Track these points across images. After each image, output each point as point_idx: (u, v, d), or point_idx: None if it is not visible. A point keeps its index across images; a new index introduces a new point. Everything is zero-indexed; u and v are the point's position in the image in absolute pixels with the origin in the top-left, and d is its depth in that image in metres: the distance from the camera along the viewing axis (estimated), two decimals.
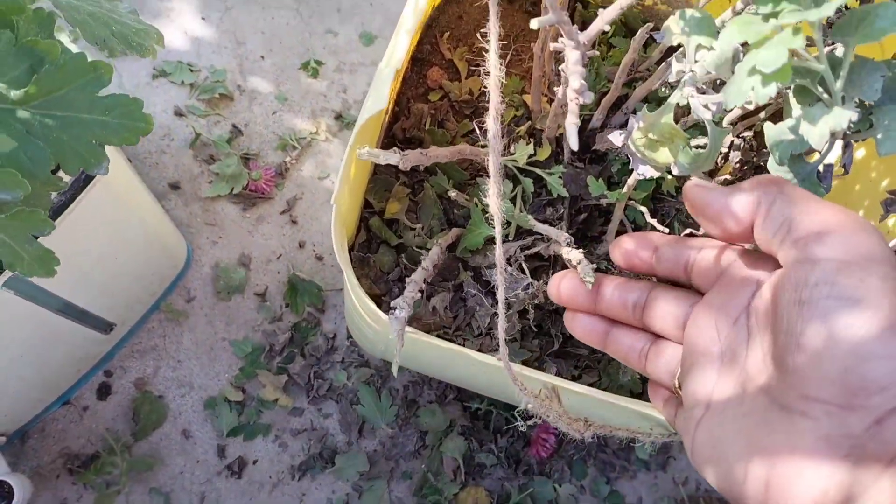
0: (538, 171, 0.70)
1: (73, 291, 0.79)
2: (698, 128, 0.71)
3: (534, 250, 0.68)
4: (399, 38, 0.58)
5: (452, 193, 0.68)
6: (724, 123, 0.73)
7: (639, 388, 0.74)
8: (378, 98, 0.55)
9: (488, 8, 0.52)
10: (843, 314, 0.30)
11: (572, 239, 0.62)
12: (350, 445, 1.01)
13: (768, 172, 0.49)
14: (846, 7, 0.51)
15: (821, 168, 0.48)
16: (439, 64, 0.81)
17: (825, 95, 0.43)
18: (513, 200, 0.70)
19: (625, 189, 0.67)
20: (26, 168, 0.47)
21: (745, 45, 0.43)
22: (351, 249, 0.72)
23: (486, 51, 0.51)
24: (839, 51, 0.43)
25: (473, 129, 0.79)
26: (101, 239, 0.79)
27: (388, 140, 0.78)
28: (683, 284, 0.44)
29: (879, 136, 0.43)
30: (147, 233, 0.92)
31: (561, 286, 0.47)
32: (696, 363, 0.38)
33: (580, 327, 0.47)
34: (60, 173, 0.65)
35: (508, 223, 0.68)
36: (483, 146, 0.75)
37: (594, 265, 0.51)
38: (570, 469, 1.03)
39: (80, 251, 0.75)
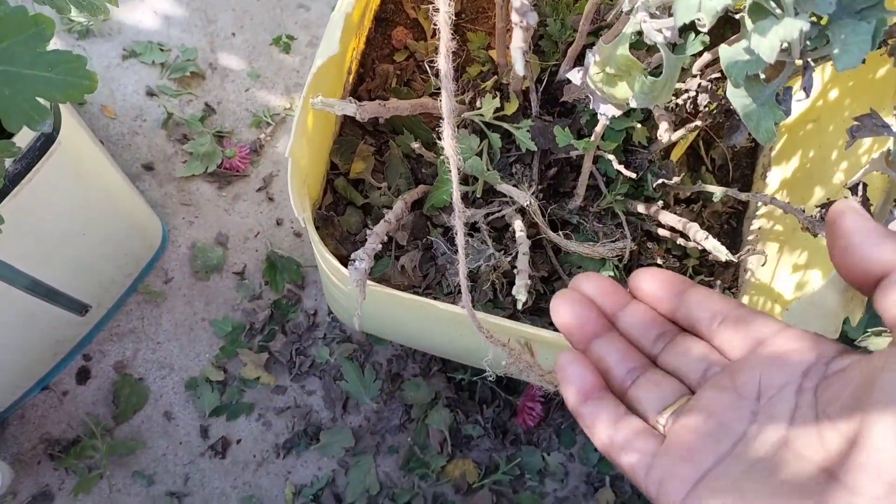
0: (506, 125, 0.69)
1: (40, 268, 0.78)
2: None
3: (498, 214, 0.67)
4: None
5: (416, 145, 0.67)
6: (694, 70, 0.72)
7: None
8: (329, 43, 0.54)
9: None
10: None
11: (535, 201, 0.61)
12: (335, 421, 1.00)
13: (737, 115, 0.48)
14: None
15: (780, 91, 0.46)
16: (404, 24, 0.80)
17: (778, 10, 0.42)
18: (479, 156, 0.69)
19: (592, 137, 0.66)
20: None
21: None
22: (318, 210, 0.71)
23: None
24: None
25: (440, 90, 0.77)
26: (65, 213, 0.77)
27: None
28: None
29: (836, 51, 0.42)
30: (117, 211, 0.91)
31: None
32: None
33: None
34: (14, 139, 0.63)
35: (476, 179, 0.67)
36: (459, 101, 0.74)
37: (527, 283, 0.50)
38: (557, 437, 1.02)
39: (42, 224, 0.74)
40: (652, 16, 0.46)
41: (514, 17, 0.43)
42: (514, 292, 0.54)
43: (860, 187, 0.57)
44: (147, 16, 1.12)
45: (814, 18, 0.44)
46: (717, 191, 0.68)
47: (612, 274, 0.72)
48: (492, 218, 0.68)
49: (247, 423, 0.99)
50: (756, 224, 0.78)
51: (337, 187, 0.70)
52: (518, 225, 0.64)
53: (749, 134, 0.60)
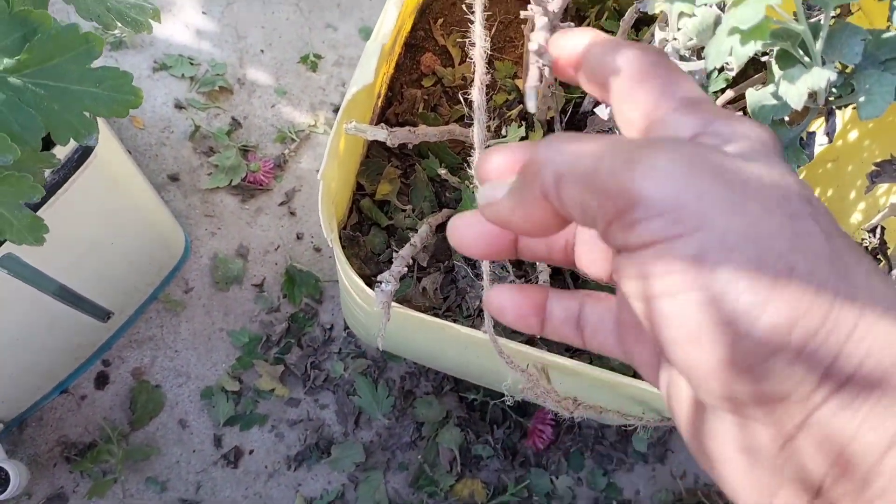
0: None
1: (68, 275, 0.80)
2: None
3: None
4: (387, 12, 0.58)
5: (443, 172, 0.68)
6: (719, 104, 0.73)
7: (630, 370, 0.74)
8: (365, 72, 0.56)
9: None
10: None
11: None
12: (346, 436, 1.01)
13: None
14: None
15: (804, 136, 0.48)
16: (433, 50, 0.81)
17: (805, 59, 0.43)
18: None
19: None
20: (17, 134, 0.48)
21: (724, 9, 0.44)
22: (343, 230, 0.72)
23: (472, 22, 0.52)
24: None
25: (466, 115, 0.79)
26: (96, 222, 0.79)
27: (381, 124, 0.78)
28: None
29: (861, 99, 0.43)
30: (144, 221, 0.93)
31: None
32: None
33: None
34: (54, 150, 0.66)
35: None
36: (498, 134, 0.75)
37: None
38: (567, 461, 1.03)
39: (74, 233, 0.76)
40: (682, 58, 0.48)
41: (531, 57, 0.45)
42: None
43: (878, 230, 0.58)
44: (179, 30, 1.14)
45: (839, 66, 0.46)
46: None
47: None
48: None
49: (260, 434, 1.01)
50: None
51: (363, 208, 0.72)
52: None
53: None
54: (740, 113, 0.58)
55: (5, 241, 0.65)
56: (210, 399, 1.01)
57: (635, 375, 0.76)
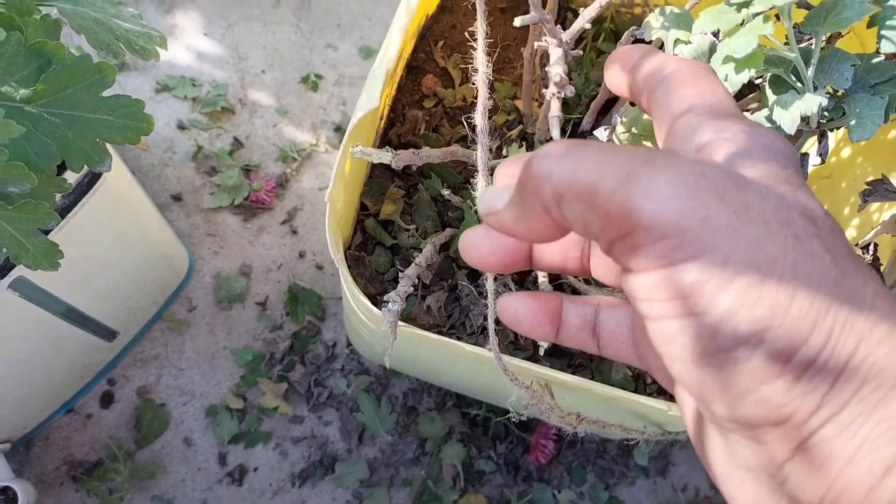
0: None
1: (76, 296, 0.81)
2: None
3: None
4: (392, 37, 0.60)
5: (446, 193, 0.70)
6: None
7: (631, 385, 0.75)
8: (370, 97, 0.57)
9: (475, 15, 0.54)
10: None
11: None
12: (350, 453, 1.02)
13: None
14: None
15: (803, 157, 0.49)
16: (434, 72, 0.83)
17: (798, 84, 0.45)
18: None
19: None
20: (33, 162, 0.49)
21: (719, 37, 0.45)
22: (347, 249, 0.73)
23: (475, 49, 0.53)
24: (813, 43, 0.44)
25: (467, 135, 0.80)
26: (104, 244, 0.80)
27: (384, 145, 0.79)
28: None
29: (852, 122, 0.45)
30: (148, 241, 0.94)
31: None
32: None
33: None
34: (65, 175, 0.67)
35: None
36: (499, 154, 0.77)
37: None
38: (569, 475, 1.04)
39: (83, 255, 0.77)
40: None
41: (552, 89, 0.46)
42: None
43: (871, 247, 0.59)
44: (181, 52, 1.16)
45: (830, 90, 0.47)
46: None
47: None
48: None
49: (264, 452, 1.01)
50: None
51: (367, 227, 0.73)
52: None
53: None
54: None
55: (16, 265, 0.66)
56: (215, 417, 1.02)
57: (636, 391, 0.77)
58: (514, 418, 0.60)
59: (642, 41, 0.79)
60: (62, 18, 0.57)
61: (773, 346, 0.23)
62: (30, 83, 0.50)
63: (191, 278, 1.07)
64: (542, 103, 0.78)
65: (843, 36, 0.56)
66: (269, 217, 1.10)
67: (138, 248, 0.91)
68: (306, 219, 1.11)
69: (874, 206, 0.65)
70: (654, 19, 0.50)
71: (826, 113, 0.47)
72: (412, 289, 0.62)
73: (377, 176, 0.76)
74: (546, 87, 0.71)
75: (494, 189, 0.29)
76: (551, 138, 0.75)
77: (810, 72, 0.43)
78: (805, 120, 0.44)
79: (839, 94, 0.46)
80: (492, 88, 0.81)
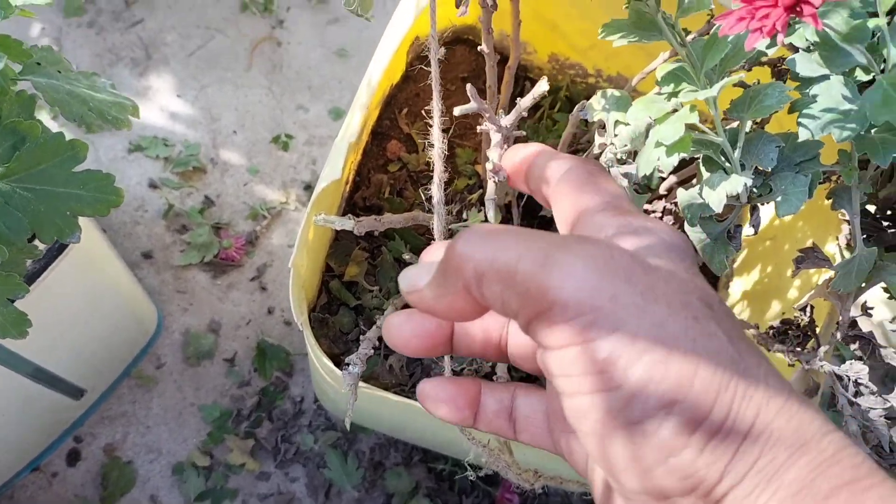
0: None
1: (45, 357, 0.82)
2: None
3: None
4: (354, 113, 0.63)
5: (407, 257, 0.72)
6: (661, 190, 0.78)
7: None
8: (333, 169, 0.60)
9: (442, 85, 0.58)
10: None
11: None
12: None
13: None
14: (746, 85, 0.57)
15: (731, 229, 0.53)
16: (398, 137, 0.86)
17: (727, 164, 0.49)
18: None
19: None
20: (4, 236, 0.51)
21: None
22: (313, 311, 0.76)
23: (432, 125, 0.57)
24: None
25: (430, 199, 0.84)
26: (73, 306, 0.82)
27: (349, 208, 0.82)
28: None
29: (779, 199, 0.48)
30: (117, 300, 0.95)
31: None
32: None
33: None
34: (36, 241, 0.69)
35: None
36: (460, 218, 0.80)
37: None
38: None
39: (52, 317, 0.78)
40: (619, 161, 0.53)
41: (489, 174, 0.49)
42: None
43: (808, 309, 0.63)
44: (154, 113, 1.19)
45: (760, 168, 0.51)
46: None
47: None
48: None
49: None
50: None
51: (332, 289, 0.76)
52: None
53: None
54: (661, 215, 0.63)
55: None
56: (181, 475, 1.02)
57: None
58: (471, 476, 0.62)
59: (586, 121, 0.83)
60: (37, 93, 0.60)
61: (681, 418, 0.25)
62: (3, 160, 0.52)
63: (160, 335, 1.08)
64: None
65: (770, 120, 0.60)
66: (239, 274, 1.12)
67: (107, 307, 0.92)
68: (275, 275, 1.13)
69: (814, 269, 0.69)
70: (596, 102, 0.54)
71: (755, 189, 0.50)
72: (372, 350, 0.64)
73: (343, 238, 0.79)
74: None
75: (417, 267, 0.31)
76: (510, 202, 0.79)
77: (737, 154, 0.47)
78: (734, 197, 0.47)
79: (768, 171, 0.50)
80: (452, 154, 0.85)
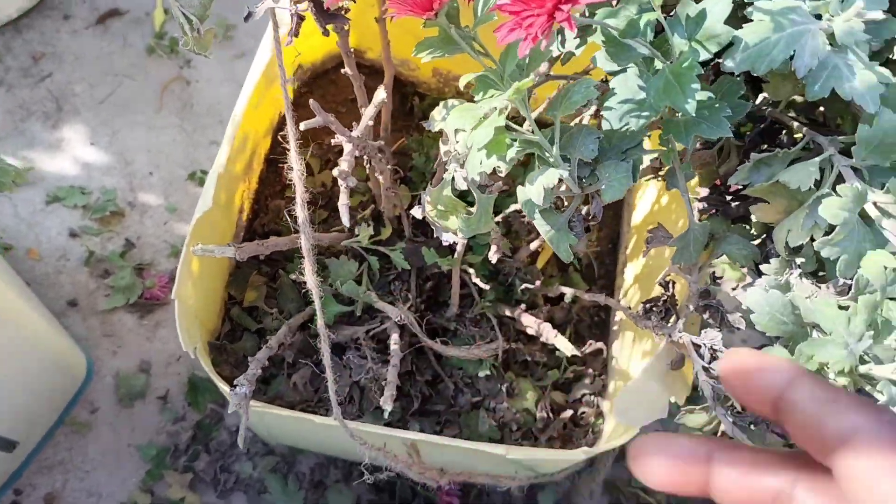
0: (382, 248, 0.78)
1: None
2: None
3: (380, 329, 0.75)
4: (222, 147, 0.66)
5: (293, 276, 0.75)
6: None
7: (497, 435, 0.80)
8: (205, 201, 0.63)
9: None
10: None
11: (411, 315, 0.69)
12: None
13: None
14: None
15: (572, 218, 0.56)
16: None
17: (552, 159, 0.52)
18: (359, 279, 0.78)
19: (455, 255, 0.75)
20: None
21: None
22: (217, 339, 0.78)
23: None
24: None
25: (326, 218, 0.87)
26: None
27: (249, 236, 0.85)
28: None
29: (603, 186, 0.52)
30: (44, 350, 0.97)
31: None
32: None
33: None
34: None
35: (354, 301, 0.76)
36: (340, 230, 0.83)
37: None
38: None
39: None
40: (461, 165, 0.56)
41: (340, 182, 0.52)
42: (381, 403, 0.61)
43: (670, 285, 0.66)
44: (68, 163, 1.21)
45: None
46: (568, 292, 0.78)
47: (488, 372, 0.80)
48: (375, 332, 0.76)
49: None
50: (618, 315, 0.88)
51: (233, 316, 0.78)
52: (394, 338, 0.72)
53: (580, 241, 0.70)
54: None
55: None
56: None
57: (502, 440, 0.82)
58: (369, 480, 0.65)
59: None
60: None
61: None
62: None
63: (91, 380, 1.09)
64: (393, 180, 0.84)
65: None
66: (165, 312, 1.14)
67: (33, 358, 0.94)
68: None
69: None
70: (437, 113, 0.57)
71: (585, 179, 0.54)
72: (272, 367, 0.67)
73: (243, 266, 0.82)
74: (380, 171, 0.77)
75: (741, 353, 0.29)
76: (400, 215, 0.82)
77: (555, 149, 0.50)
78: (551, 190, 0.50)
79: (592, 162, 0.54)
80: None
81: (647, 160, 0.62)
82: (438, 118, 0.56)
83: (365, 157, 0.79)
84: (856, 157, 0.48)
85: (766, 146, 0.60)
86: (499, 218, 0.78)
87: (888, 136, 0.46)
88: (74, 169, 1.21)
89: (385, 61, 0.74)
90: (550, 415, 0.80)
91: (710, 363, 0.58)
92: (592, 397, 0.84)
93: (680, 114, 0.50)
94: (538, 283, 0.81)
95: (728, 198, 0.64)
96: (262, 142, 0.86)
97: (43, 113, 1.24)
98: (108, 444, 1.06)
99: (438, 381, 0.80)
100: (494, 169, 0.53)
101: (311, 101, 0.55)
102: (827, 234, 0.47)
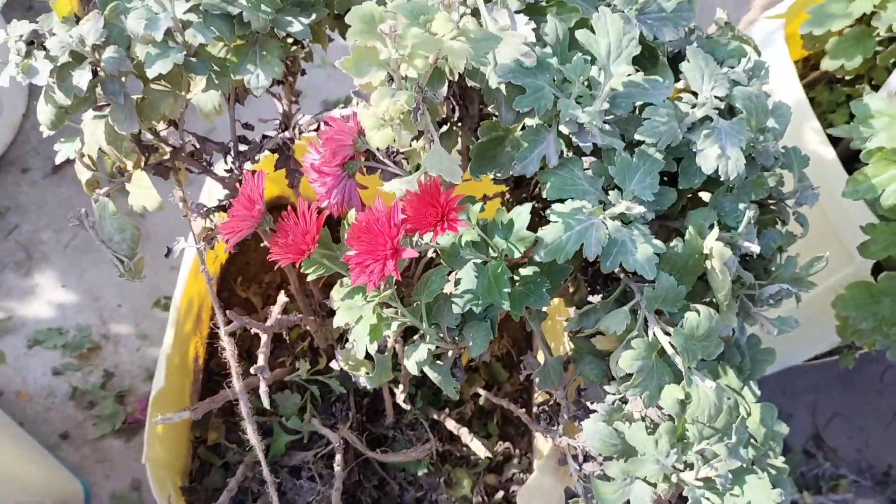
0: (321, 378, 0.91)
1: None
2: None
3: (327, 450, 0.88)
4: (167, 331, 0.79)
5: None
6: None
7: None
8: (157, 382, 0.76)
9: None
10: None
11: (348, 435, 0.82)
12: None
13: None
14: None
15: (453, 366, 0.69)
16: (239, 304, 1.02)
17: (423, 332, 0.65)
18: (304, 406, 0.91)
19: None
20: None
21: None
22: (190, 476, 0.91)
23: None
24: None
25: (273, 350, 1.00)
26: None
27: (207, 376, 0.98)
28: None
29: (470, 344, 0.65)
30: (40, 483, 1.09)
31: None
32: None
33: None
34: None
35: (298, 432, 0.89)
36: (282, 365, 0.96)
37: None
38: None
39: None
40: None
41: (259, 374, 0.66)
42: None
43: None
44: (43, 307, 1.33)
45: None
46: (482, 393, 0.91)
47: (426, 470, 0.93)
48: (323, 453, 0.89)
49: None
50: (539, 398, 1.01)
51: (200, 454, 0.91)
52: (337, 459, 0.85)
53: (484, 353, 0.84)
54: None
55: None
56: None
57: None
58: None
59: None
60: None
61: None
62: None
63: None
64: (322, 316, 0.97)
65: None
66: None
67: (30, 491, 1.06)
68: None
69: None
70: (335, 293, 0.70)
71: (456, 339, 0.67)
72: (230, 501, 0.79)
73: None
74: (315, 311, 0.90)
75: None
76: (331, 345, 0.95)
77: (424, 325, 0.64)
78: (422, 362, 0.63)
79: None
80: (286, 311, 1.00)
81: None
82: (337, 299, 0.70)
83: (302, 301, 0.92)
84: (651, 308, 0.62)
85: (604, 282, 0.74)
86: None
87: (669, 293, 0.60)
88: (50, 311, 1.33)
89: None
90: (485, 498, 0.94)
91: (582, 464, 0.72)
92: (522, 474, 0.97)
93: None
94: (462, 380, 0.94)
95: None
96: (206, 297, 0.99)
97: (15, 263, 1.37)
98: None
99: (385, 483, 0.93)
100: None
101: (228, 311, 0.68)
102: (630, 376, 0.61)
